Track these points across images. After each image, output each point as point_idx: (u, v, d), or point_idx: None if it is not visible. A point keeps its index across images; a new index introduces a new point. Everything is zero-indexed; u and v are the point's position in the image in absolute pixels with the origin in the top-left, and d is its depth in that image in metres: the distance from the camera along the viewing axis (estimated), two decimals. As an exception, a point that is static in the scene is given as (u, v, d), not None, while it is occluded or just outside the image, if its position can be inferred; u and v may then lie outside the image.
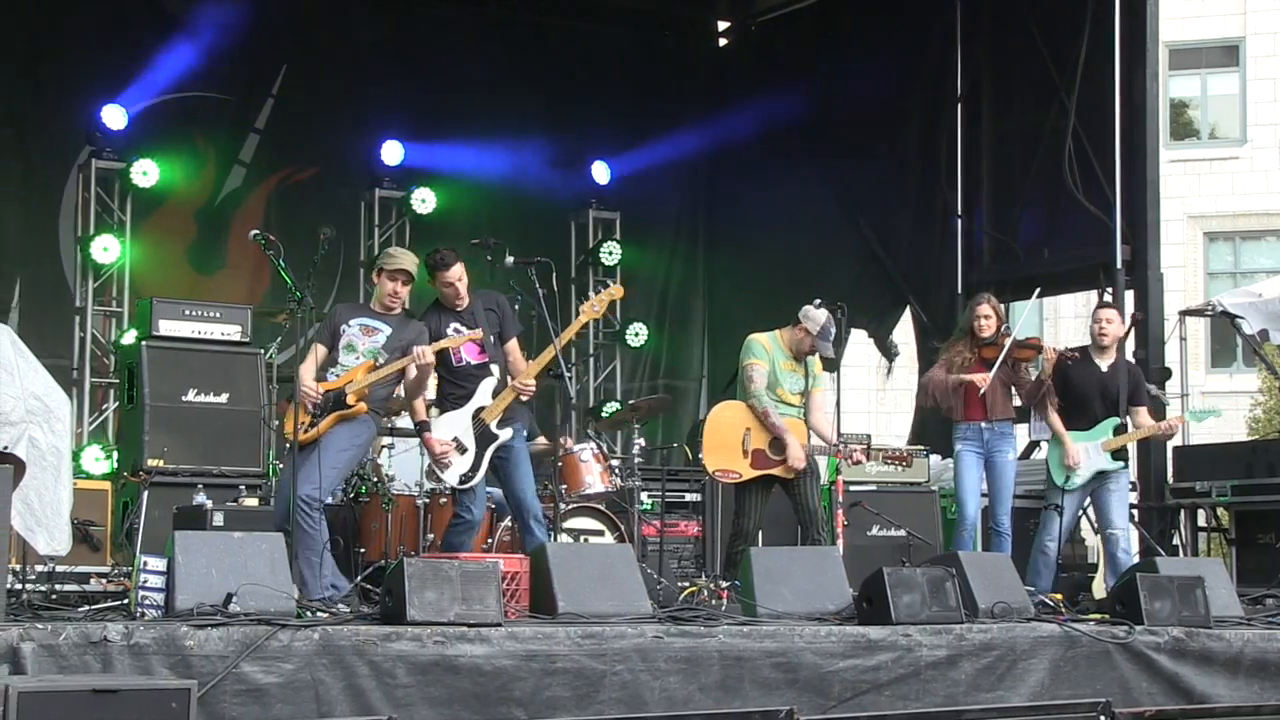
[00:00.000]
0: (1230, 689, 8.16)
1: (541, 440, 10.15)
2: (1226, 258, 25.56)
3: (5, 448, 6.65)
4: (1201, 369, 23.25)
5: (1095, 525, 10.23)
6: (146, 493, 9.47)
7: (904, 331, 14.33)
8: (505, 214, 14.02)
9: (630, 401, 13.40)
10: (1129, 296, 12.03)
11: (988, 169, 13.48)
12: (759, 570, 7.87)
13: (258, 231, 8.09)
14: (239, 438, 10.07)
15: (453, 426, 8.36)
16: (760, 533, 9.28)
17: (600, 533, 9.67)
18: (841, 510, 9.47)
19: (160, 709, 5.31)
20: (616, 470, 10.40)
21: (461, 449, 8.32)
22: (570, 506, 9.58)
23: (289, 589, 6.59)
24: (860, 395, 19.84)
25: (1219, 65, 25.46)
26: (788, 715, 6.72)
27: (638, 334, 14.98)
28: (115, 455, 10.92)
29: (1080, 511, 10.12)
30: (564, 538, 9.09)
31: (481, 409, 8.37)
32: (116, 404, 11.83)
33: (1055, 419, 9.89)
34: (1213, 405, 14.31)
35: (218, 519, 8.77)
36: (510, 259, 8.81)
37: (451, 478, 8.31)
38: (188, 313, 10.30)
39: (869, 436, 9.55)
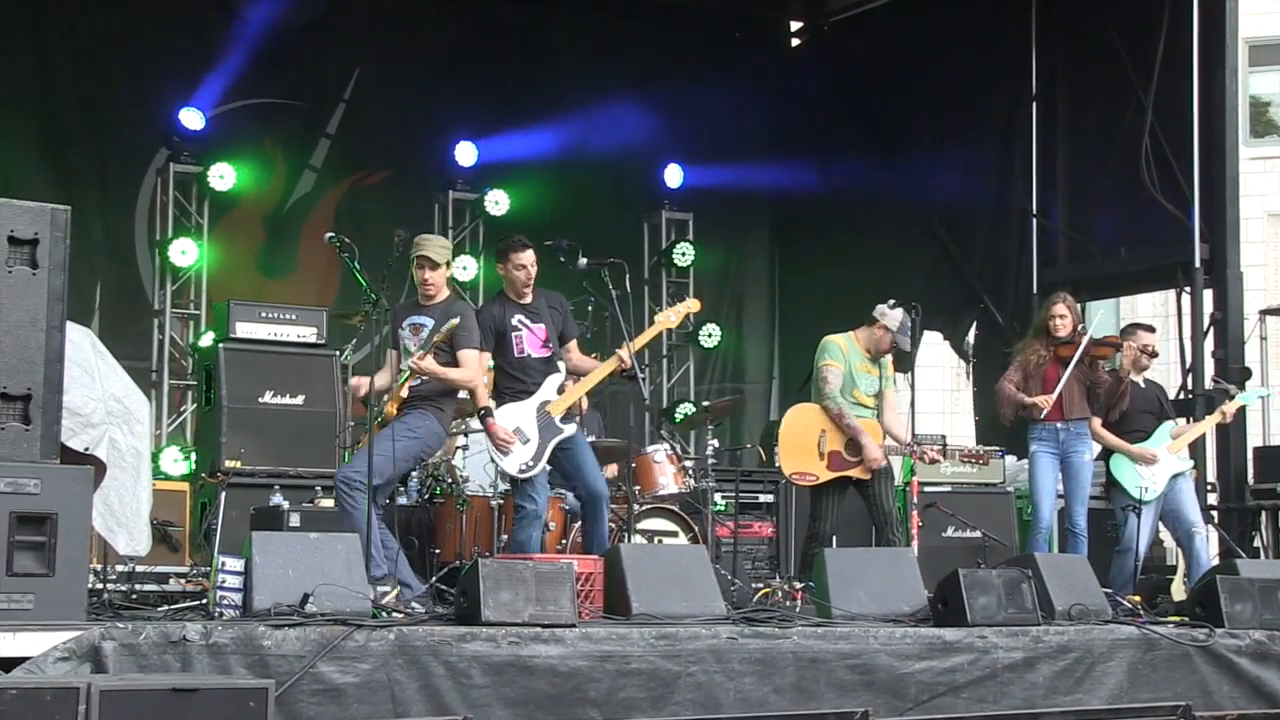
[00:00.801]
0: (1314, 693, 8.05)
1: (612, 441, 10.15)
2: (1307, 256, 25.18)
3: (86, 449, 6.71)
4: (1282, 368, 22.92)
5: (1172, 531, 10.14)
6: (224, 494, 9.56)
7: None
8: (578, 215, 14.03)
9: (704, 403, 13.39)
10: (1208, 296, 11.88)
11: (1064, 168, 13.37)
12: (833, 571, 7.83)
13: (333, 234, 8.12)
14: (315, 439, 10.16)
15: (515, 417, 8.30)
16: (835, 534, 9.24)
17: (674, 534, 9.64)
18: (916, 511, 9.43)
19: (238, 708, 5.33)
20: (690, 471, 10.38)
21: (524, 439, 8.29)
22: (644, 507, 9.56)
23: (365, 589, 6.61)
24: (934, 396, 19.73)
25: (1300, 62, 25.09)
26: (863, 717, 6.70)
27: (711, 335, 14.96)
28: (193, 456, 11.05)
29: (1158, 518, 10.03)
30: (638, 539, 9.08)
31: (546, 403, 8.35)
32: (194, 406, 11.96)
33: (1108, 434, 9.81)
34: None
35: (294, 520, 8.85)
36: (584, 260, 8.80)
37: (511, 465, 8.25)
38: (264, 315, 10.40)
39: (943, 438, 9.49)
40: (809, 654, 7.01)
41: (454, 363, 7.96)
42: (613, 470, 10.12)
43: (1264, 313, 13.29)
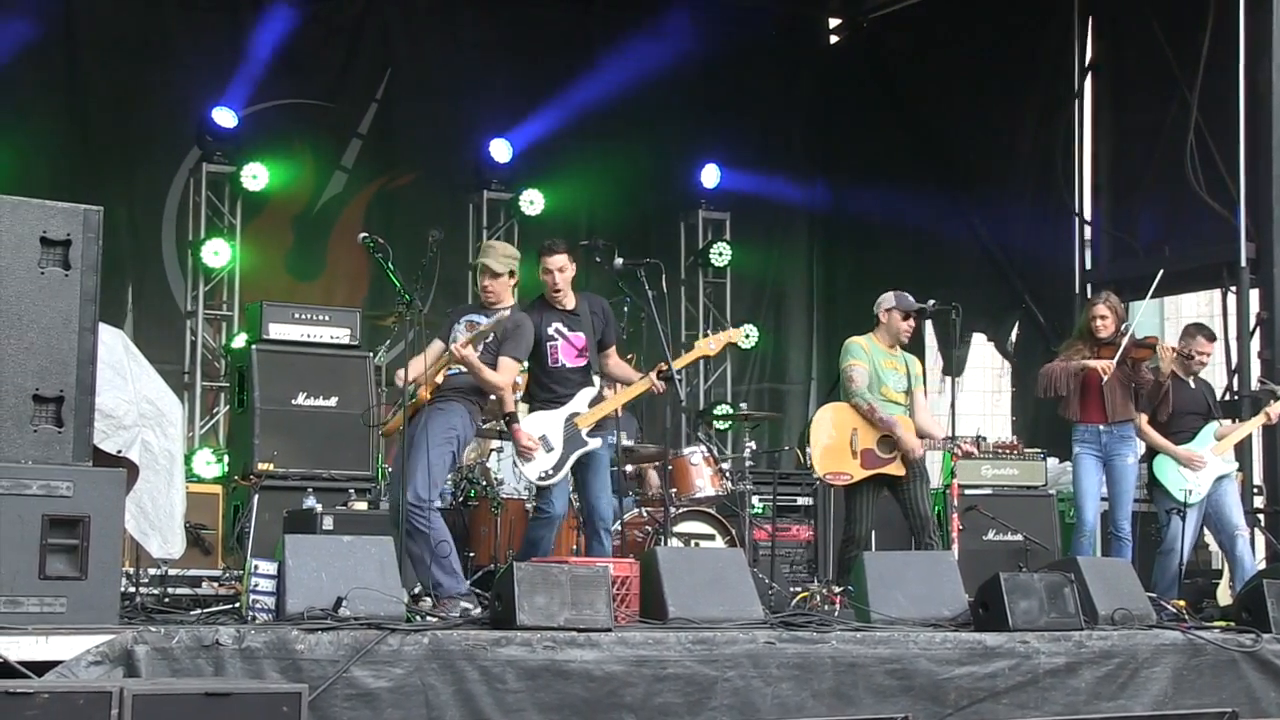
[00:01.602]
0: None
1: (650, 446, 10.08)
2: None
3: (119, 451, 6.69)
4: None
5: (1215, 534, 10.03)
6: (257, 496, 9.53)
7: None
8: (614, 215, 13.97)
9: (741, 406, 13.34)
10: (1254, 295, 11.74)
11: (1107, 166, 13.27)
12: (872, 575, 7.76)
13: (366, 235, 8.06)
14: (348, 441, 10.11)
15: (542, 425, 8.25)
16: (873, 536, 9.15)
17: (711, 537, 9.58)
18: (957, 514, 9.33)
19: (272, 712, 5.32)
20: (727, 474, 10.29)
21: (549, 447, 8.24)
22: (681, 510, 9.49)
23: (398, 593, 6.56)
24: (974, 397, 19.58)
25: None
26: (903, 723, 6.62)
27: (749, 336, 14.86)
28: (226, 459, 11.02)
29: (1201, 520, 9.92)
30: (674, 542, 8.99)
31: (576, 414, 8.30)
32: (227, 408, 11.95)
33: (1155, 434, 9.70)
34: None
35: (327, 523, 8.82)
36: (619, 260, 8.73)
37: (532, 472, 8.20)
38: (297, 316, 10.37)
39: (981, 438, 9.39)
40: (848, 659, 6.93)
41: (494, 365, 7.90)
42: (653, 478, 10.05)
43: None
